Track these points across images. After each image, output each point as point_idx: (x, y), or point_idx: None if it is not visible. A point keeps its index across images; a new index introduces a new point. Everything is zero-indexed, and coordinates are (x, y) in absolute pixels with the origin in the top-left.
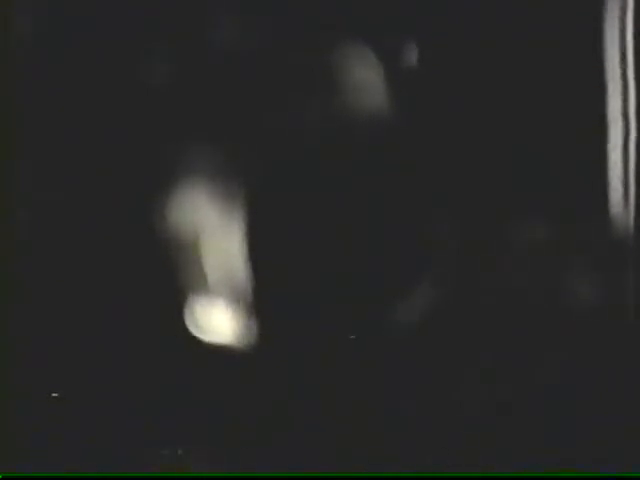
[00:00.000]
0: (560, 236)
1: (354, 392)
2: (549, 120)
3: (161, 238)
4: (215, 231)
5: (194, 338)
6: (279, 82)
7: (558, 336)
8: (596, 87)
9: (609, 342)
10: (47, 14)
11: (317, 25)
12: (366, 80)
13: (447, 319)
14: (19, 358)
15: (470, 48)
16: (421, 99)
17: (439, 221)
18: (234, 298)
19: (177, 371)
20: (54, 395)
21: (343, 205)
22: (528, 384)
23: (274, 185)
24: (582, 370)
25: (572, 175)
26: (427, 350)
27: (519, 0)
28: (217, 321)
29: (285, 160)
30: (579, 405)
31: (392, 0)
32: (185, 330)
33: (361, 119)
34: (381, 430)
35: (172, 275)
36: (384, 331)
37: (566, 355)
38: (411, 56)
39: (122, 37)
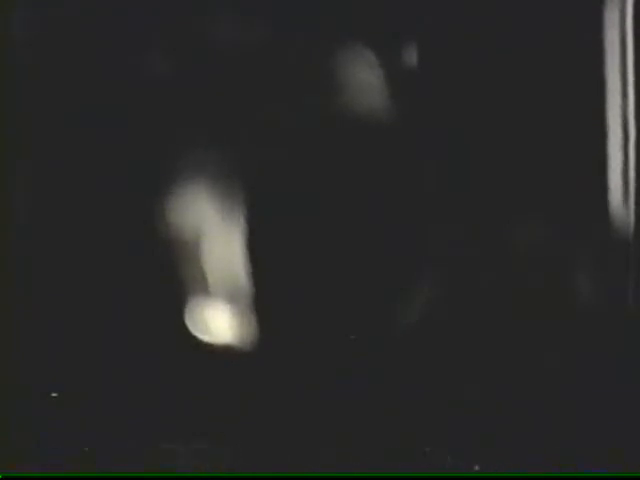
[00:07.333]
0: (560, 236)
1: (354, 392)
2: (549, 120)
3: (162, 238)
4: (215, 231)
5: (194, 338)
6: (280, 83)
7: (558, 335)
8: (596, 87)
9: (609, 341)
10: (47, 14)
11: (317, 26)
12: (366, 81)
13: (447, 319)
14: (19, 358)
15: (470, 49)
16: (421, 100)
17: (439, 221)
18: (234, 298)
19: (177, 371)
20: (54, 395)
21: (343, 205)
22: (528, 383)
23: (274, 185)
24: (582, 369)
25: (572, 175)
26: (427, 350)
27: (519, 2)
28: (217, 321)
29: (285, 161)
30: (579, 404)
31: (392, 1)
32: (185, 330)
33: (361, 120)
34: (381, 429)
35: (172, 275)
36: (384, 331)
37: (566, 354)
38: (411, 57)
39: (122, 38)
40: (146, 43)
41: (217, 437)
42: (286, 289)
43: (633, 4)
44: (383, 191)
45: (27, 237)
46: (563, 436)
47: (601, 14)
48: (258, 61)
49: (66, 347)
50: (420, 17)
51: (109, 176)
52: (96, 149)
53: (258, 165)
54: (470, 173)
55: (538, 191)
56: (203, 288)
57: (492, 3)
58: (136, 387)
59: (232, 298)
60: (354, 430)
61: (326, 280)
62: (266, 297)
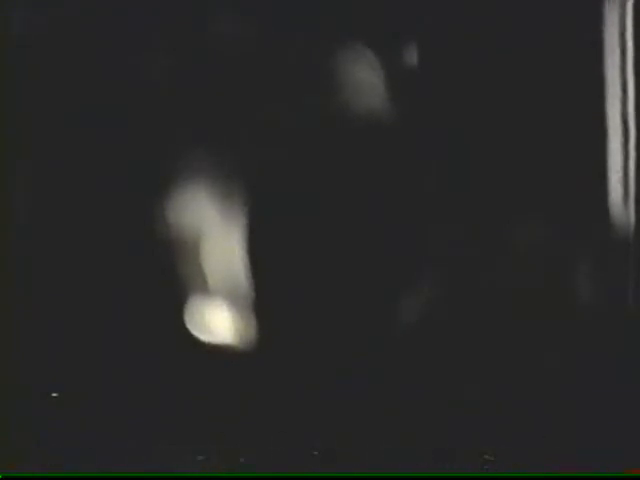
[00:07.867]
0: (560, 236)
1: (354, 391)
2: (549, 121)
3: (162, 239)
4: (215, 231)
5: (194, 338)
6: (279, 83)
7: (558, 335)
8: (596, 88)
9: (609, 341)
10: (47, 14)
11: (317, 26)
12: (366, 81)
13: (447, 319)
14: (19, 358)
15: (470, 49)
16: (421, 100)
17: (439, 221)
18: (234, 298)
19: (177, 371)
20: (54, 395)
21: (343, 205)
22: (528, 383)
23: (274, 185)
24: (582, 369)
25: (572, 175)
26: (427, 350)
27: (519, 2)
28: (217, 321)
29: (285, 160)
30: (579, 404)
31: (392, 1)
32: (185, 330)
33: (361, 120)
34: (381, 429)
35: (173, 275)
36: (384, 331)
37: (566, 354)
38: (411, 57)
39: (122, 38)
40: (146, 43)
41: (217, 437)
42: (286, 289)
43: (633, 4)
44: (383, 191)
45: (27, 237)
46: (563, 436)
47: (601, 14)
48: (258, 61)
49: (66, 347)
50: (420, 17)
51: (109, 176)
52: (96, 149)
53: (258, 165)
54: (470, 173)
55: (538, 191)
56: (203, 288)
57: (492, 3)
58: (136, 387)
59: (232, 298)
60: (354, 430)
61: (326, 280)
62: (266, 297)
